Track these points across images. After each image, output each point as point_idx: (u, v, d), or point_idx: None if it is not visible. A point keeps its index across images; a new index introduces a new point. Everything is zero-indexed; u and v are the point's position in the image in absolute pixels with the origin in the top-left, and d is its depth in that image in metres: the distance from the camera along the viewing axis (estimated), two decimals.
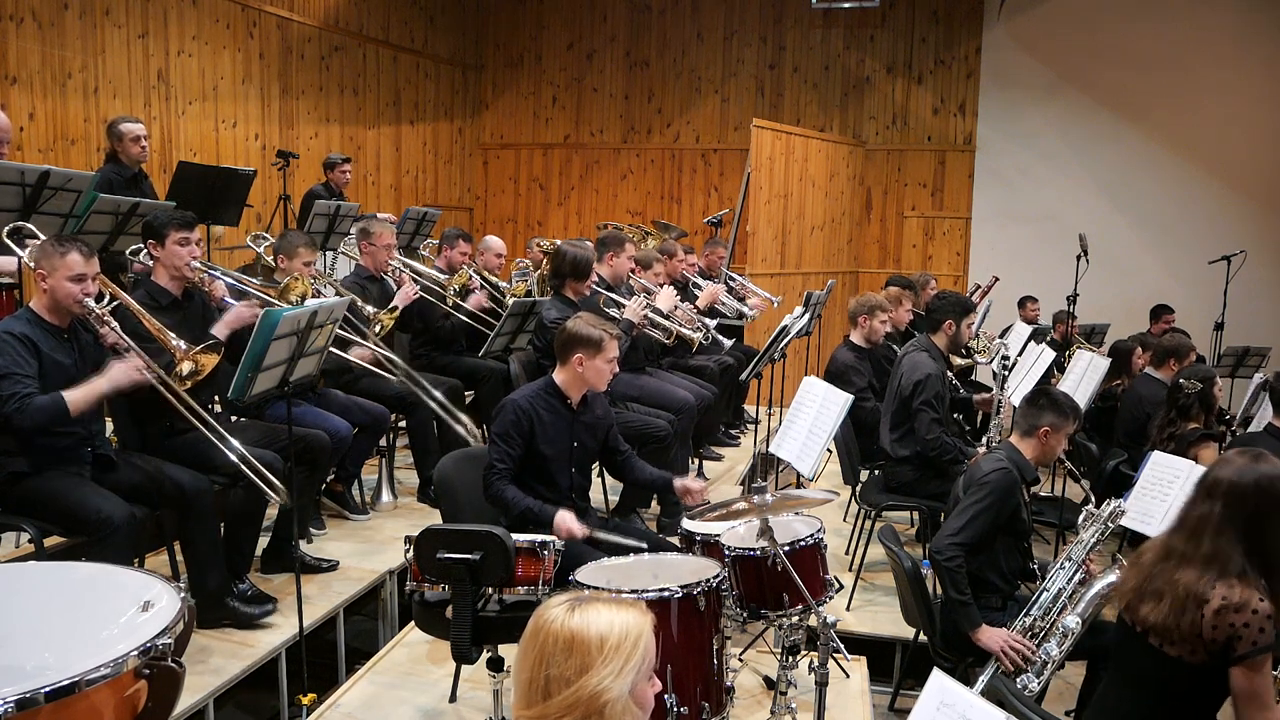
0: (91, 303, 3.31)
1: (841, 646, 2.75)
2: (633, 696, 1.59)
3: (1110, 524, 3.30)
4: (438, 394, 4.92)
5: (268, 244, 5.15)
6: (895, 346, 5.82)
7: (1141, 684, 2.56)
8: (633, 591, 2.63)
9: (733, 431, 7.13)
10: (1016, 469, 3.41)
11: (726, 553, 3.13)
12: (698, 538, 3.30)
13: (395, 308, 5.01)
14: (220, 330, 3.81)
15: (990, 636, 3.23)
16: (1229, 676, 2.37)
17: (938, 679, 1.95)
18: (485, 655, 3.05)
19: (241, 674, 3.44)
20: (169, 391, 3.40)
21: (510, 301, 5.48)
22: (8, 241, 3.80)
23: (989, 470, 3.38)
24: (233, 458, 3.53)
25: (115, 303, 3.52)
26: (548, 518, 3.30)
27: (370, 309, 4.81)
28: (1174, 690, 2.47)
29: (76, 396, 3.25)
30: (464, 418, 5.00)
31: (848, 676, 3.72)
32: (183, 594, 2.12)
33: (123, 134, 5.53)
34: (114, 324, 3.38)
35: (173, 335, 3.45)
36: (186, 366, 3.38)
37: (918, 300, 6.90)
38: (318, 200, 6.60)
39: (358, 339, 4.68)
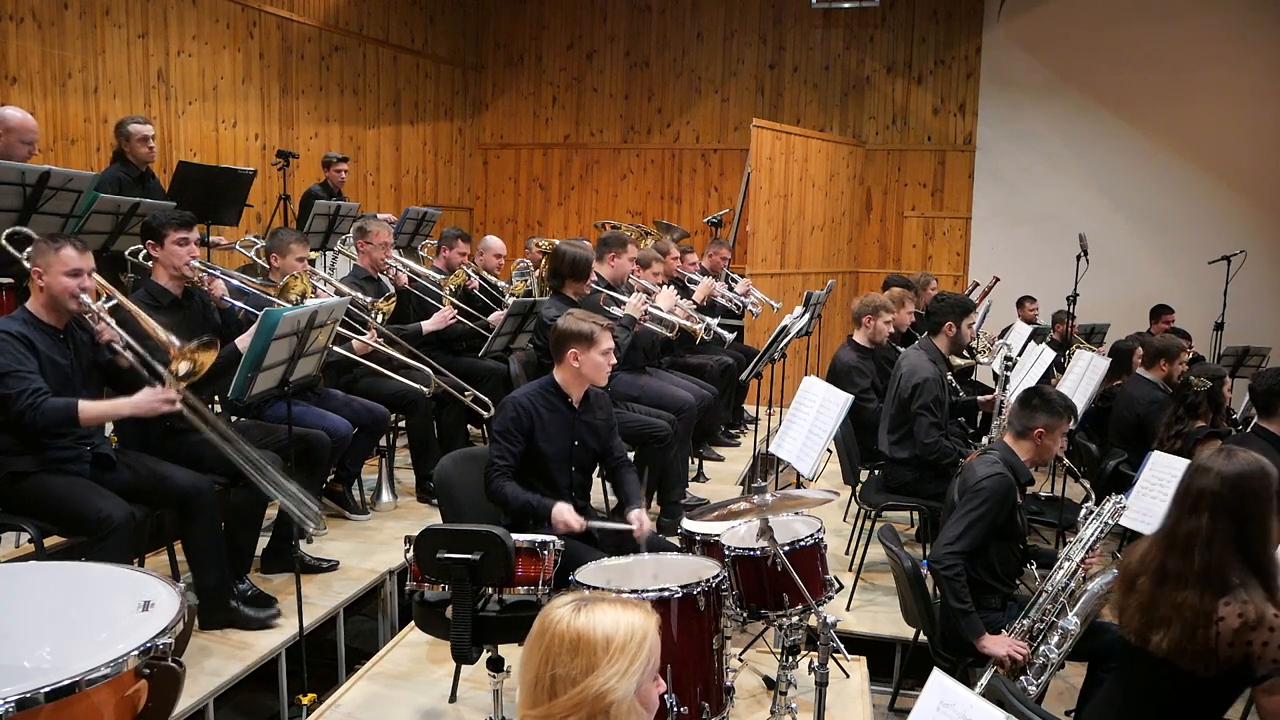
0: (88, 299, 3.30)
1: (841, 646, 2.74)
2: (638, 696, 1.58)
3: (1111, 520, 3.30)
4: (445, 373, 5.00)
5: (258, 246, 5.13)
6: (899, 348, 5.82)
7: (1147, 695, 2.55)
8: (633, 591, 2.63)
9: (733, 431, 7.13)
10: (1011, 471, 3.38)
11: (726, 553, 3.13)
12: (698, 538, 3.30)
13: (392, 295, 5.02)
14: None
15: (995, 644, 3.22)
16: (1246, 692, 2.37)
17: (938, 679, 1.95)
18: (485, 655, 3.05)
19: (241, 674, 3.43)
20: (199, 416, 3.36)
21: (510, 301, 5.48)
22: (7, 246, 3.79)
23: (984, 475, 3.35)
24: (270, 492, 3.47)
25: (112, 301, 3.51)
26: (546, 510, 3.31)
27: (368, 299, 4.81)
28: (1181, 701, 2.47)
29: (91, 410, 3.24)
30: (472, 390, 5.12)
31: (848, 676, 3.72)
32: (183, 594, 2.12)
33: (130, 134, 5.52)
34: (110, 321, 3.36)
35: (164, 332, 3.39)
36: (184, 366, 3.34)
37: (918, 300, 6.90)
38: (318, 200, 6.60)
39: (361, 330, 4.67)
